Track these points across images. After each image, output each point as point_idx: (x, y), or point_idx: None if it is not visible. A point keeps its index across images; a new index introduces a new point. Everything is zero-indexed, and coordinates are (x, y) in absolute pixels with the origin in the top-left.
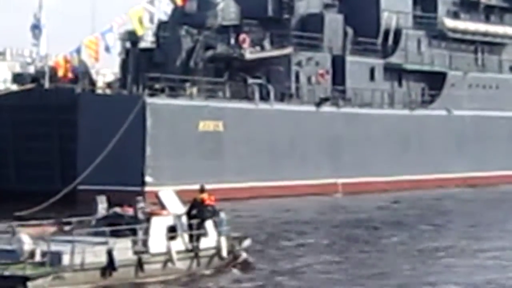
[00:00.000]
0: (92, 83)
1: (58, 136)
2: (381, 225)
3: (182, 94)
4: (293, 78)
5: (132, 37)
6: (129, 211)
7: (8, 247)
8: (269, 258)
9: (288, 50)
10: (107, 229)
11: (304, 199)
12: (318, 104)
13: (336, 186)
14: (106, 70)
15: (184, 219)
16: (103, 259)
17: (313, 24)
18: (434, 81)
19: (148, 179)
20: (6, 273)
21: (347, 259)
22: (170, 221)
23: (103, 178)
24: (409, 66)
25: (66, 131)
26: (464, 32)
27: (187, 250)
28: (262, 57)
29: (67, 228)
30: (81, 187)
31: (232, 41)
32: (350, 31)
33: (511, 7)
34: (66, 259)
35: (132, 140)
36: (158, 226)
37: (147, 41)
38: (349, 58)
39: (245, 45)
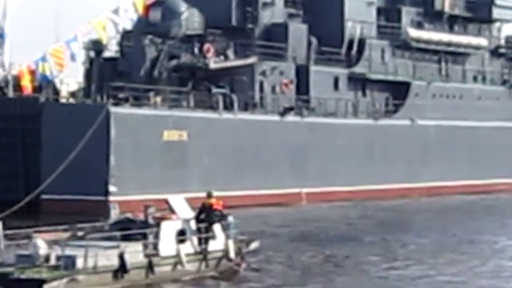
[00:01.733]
0: (56, 92)
1: (22, 146)
2: (348, 233)
3: (146, 104)
4: (257, 87)
5: (96, 46)
6: (140, 216)
7: (25, 252)
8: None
9: (252, 59)
10: (118, 233)
11: (268, 209)
12: (282, 113)
13: (300, 195)
14: (70, 79)
15: (193, 223)
16: (115, 262)
17: (277, 33)
18: (398, 91)
19: (112, 188)
20: (23, 276)
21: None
22: (179, 225)
23: (67, 187)
24: (373, 76)
25: (30, 140)
26: (428, 42)
27: (196, 253)
28: (226, 66)
29: (80, 233)
30: (44, 196)
31: (196, 50)
32: (314, 40)
33: (474, 17)
34: (79, 263)
35: (96, 150)
36: (168, 230)
37: (111, 50)
38: (313, 68)
39: (209, 55)
